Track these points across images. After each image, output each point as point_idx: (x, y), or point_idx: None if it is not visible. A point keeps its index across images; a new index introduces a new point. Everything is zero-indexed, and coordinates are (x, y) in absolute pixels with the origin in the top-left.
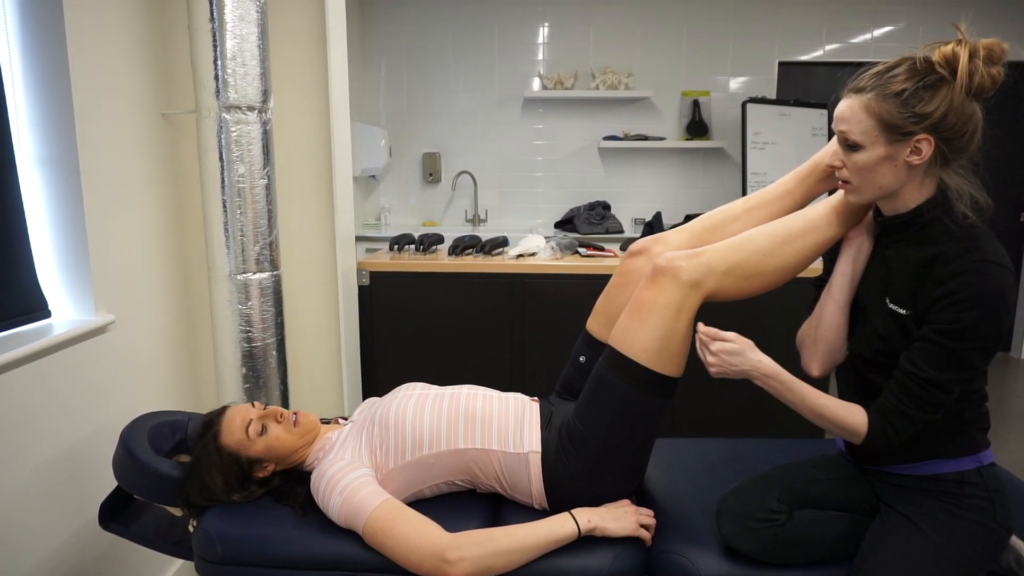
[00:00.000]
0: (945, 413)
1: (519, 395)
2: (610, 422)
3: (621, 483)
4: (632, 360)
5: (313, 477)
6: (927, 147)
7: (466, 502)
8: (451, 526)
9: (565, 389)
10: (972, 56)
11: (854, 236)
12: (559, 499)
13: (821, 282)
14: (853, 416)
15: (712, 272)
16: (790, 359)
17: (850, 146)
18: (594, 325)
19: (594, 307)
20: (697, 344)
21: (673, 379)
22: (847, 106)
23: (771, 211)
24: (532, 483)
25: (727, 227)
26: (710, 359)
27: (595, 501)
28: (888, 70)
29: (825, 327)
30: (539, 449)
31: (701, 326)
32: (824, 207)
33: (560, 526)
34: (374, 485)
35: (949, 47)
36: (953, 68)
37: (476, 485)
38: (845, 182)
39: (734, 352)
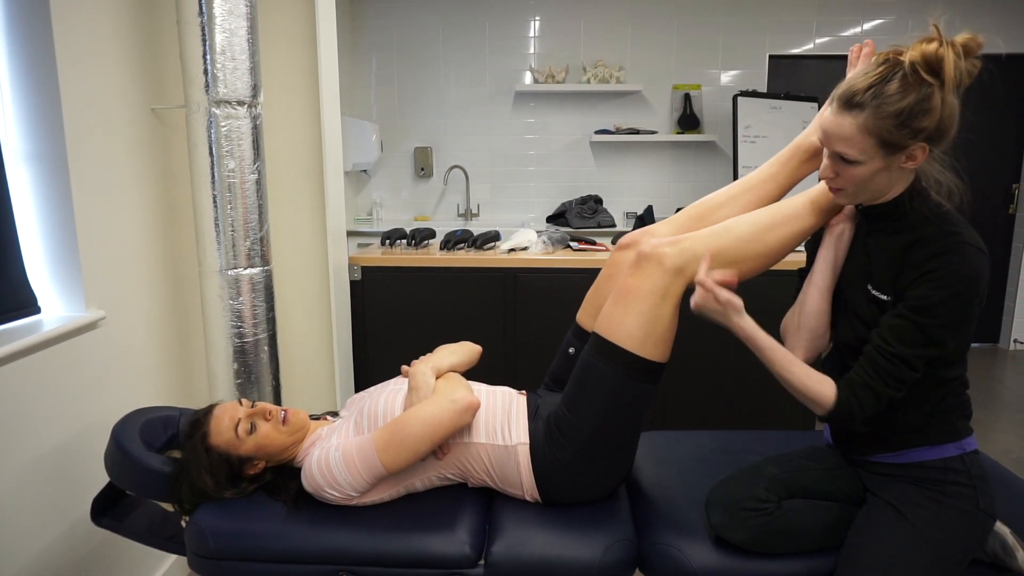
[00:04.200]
0: (927, 401)
1: (506, 388)
2: (598, 409)
3: (611, 471)
4: (618, 346)
5: (304, 466)
6: (922, 153)
7: (458, 496)
8: (443, 520)
9: (553, 381)
10: (954, 55)
11: (836, 223)
12: (550, 490)
13: (804, 273)
14: (822, 386)
15: (695, 258)
16: None
17: (847, 161)
18: (584, 317)
19: (584, 299)
20: (696, 281)
21: (659, 364)
22: (843, 125)
23: (757, 195)
24: (522, 476)
25: (714, 215)
26: (697, 298)
27: (586, 490)
28: (881, 84)
29: (807, 313)
30: (527, 441)
31: (710, 273)
32: (804, 197)
33: None
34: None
35: (932, 49)
36: (938, 72)
37: (467, 479)
38: (838, 188)
39: (716, 311)
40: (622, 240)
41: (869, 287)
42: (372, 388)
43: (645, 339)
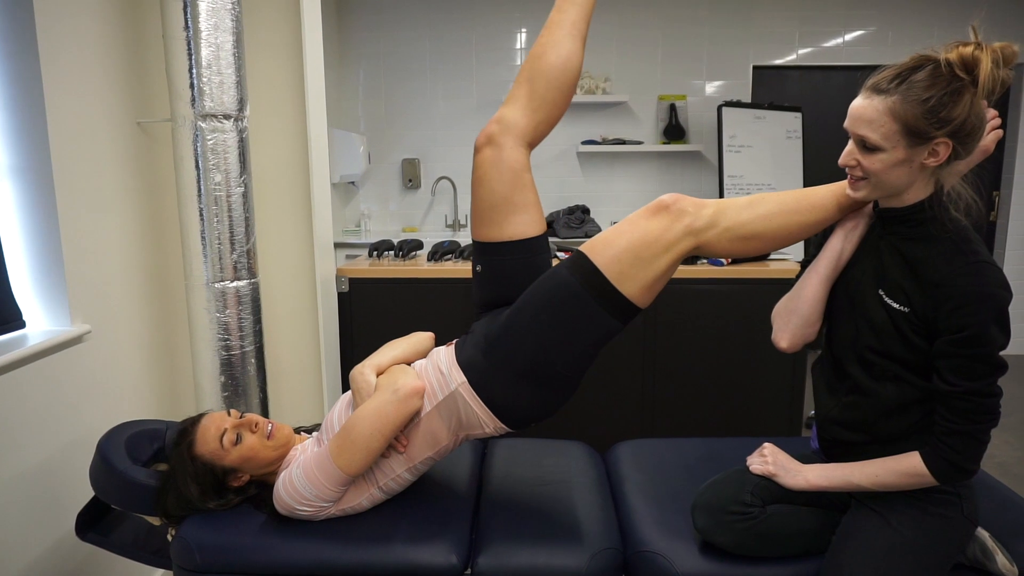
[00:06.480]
0: (914, 412)
1: (438, 348)
2: (550, 315)
3: (558, 393)
4: (598, 269)
5: (274, 492)
6: (944, 150)
7: (444, 506)
8: (430, 530)
9: (479, 307)
10: (991, 61)
11: (852, 216)
12: (502, 409)
13: (807, 264)
14: (910, 460)
15: (714, 226)
16: (769, 359)
17: (869, 148)
18: (475, 232)
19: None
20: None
21: (631, 305)
22: (870, 107)
23: (571, 24)
24: (476, 411)
25: (539, 65)
26: (770, 469)
27: (537, 402)
28: (911, 72)
29: (803, 299)
30: (463, 378)
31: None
32: (830, 190)
33: None
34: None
35: (968, 50)
36: (972, 73)
37: (439, 455)
38: (859, 179)
39: (775, 474)
40: (477, 140)
41: (881, 292)
42: None
43: (627, 274)
